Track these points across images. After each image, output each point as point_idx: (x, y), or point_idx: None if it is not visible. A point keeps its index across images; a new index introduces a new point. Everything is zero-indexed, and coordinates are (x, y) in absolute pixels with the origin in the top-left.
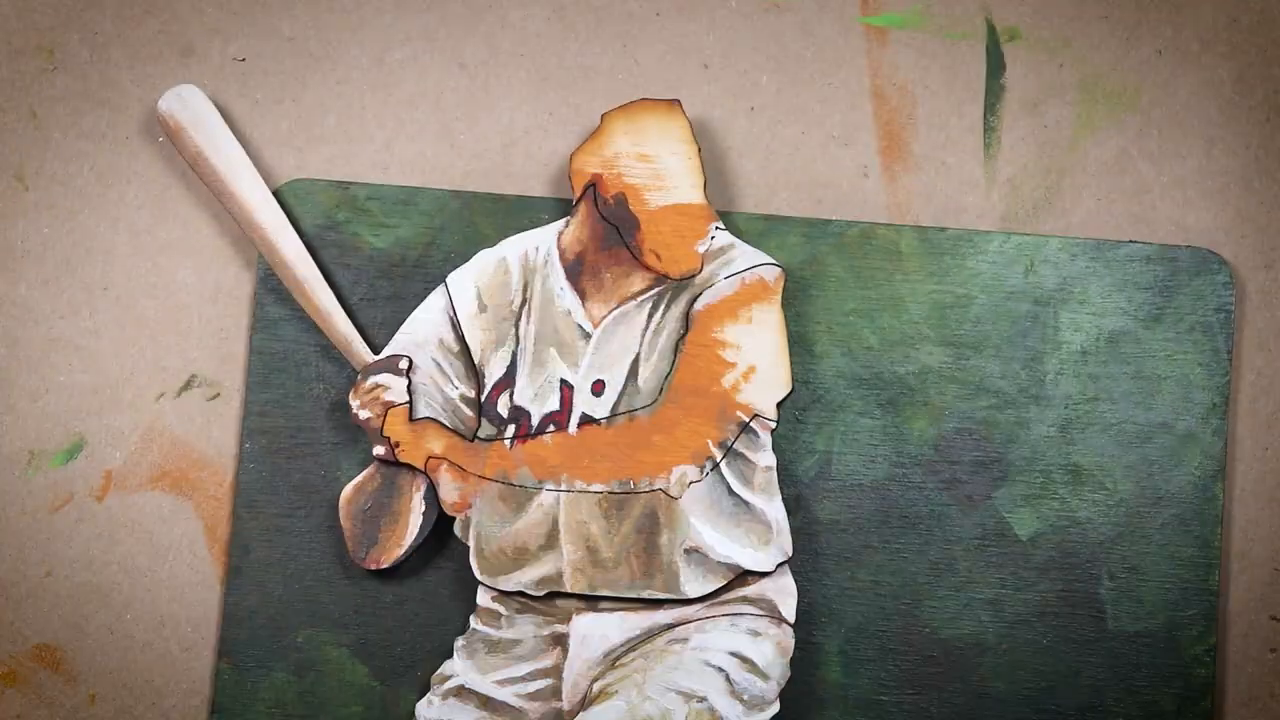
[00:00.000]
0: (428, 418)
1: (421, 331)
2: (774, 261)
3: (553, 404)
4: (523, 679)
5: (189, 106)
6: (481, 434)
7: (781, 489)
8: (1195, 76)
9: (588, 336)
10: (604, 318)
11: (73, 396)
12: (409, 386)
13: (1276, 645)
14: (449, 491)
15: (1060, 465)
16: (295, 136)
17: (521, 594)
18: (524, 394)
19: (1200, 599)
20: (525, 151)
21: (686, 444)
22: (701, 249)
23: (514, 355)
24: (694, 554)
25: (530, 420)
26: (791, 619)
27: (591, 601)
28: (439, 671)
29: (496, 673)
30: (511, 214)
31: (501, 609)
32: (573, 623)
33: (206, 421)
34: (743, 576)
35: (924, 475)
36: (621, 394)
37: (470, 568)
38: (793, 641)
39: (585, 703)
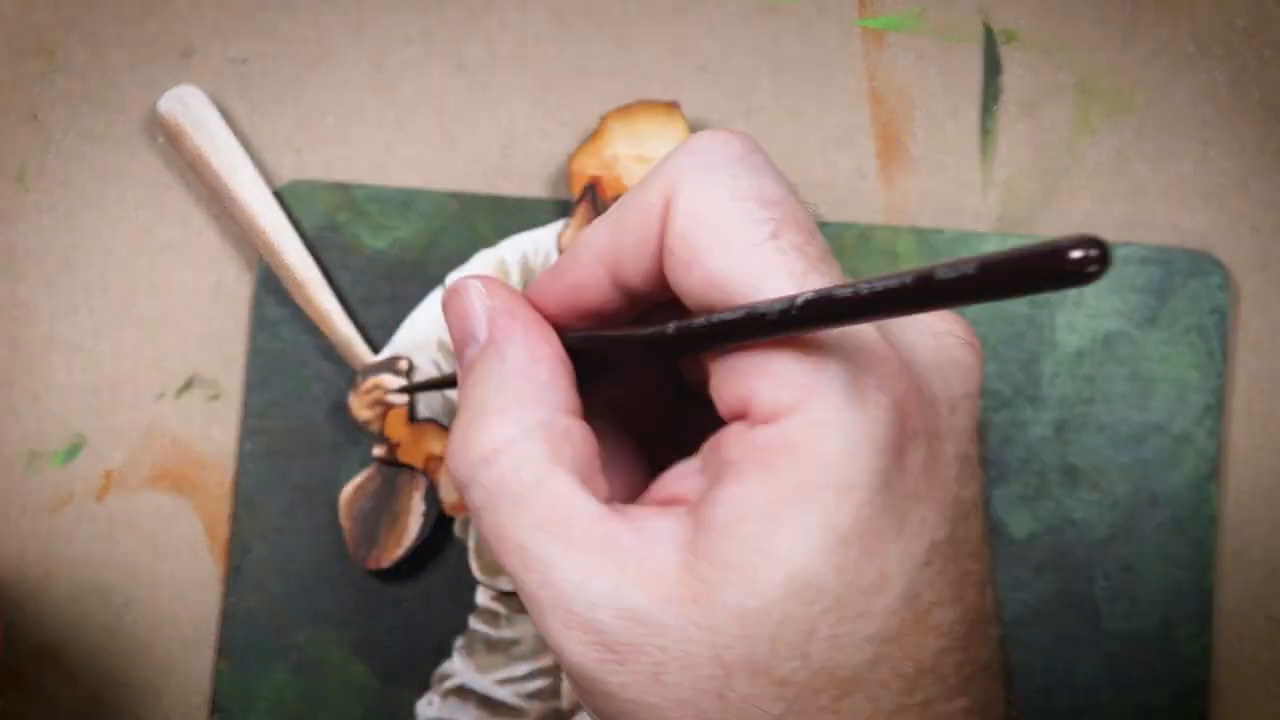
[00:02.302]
0: (428, 418)
1: (421, 332)
2: None
3: None
4: (522, 678)
5: (189, 108)
6: None
7: None
8: (1192, 78)
9: None
10: None
11: (73, 397)
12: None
13: (1271, 645)
14: (449, 491)
15: (1056, 466)
16: (295, 138)
17: None
18: None
19: (1195, 599)
20: (524, 153)
21: None
22: None
23: None
24: None
25: None
26: None
27: None
28: (438, 671)
29: (496, 672)
30: (510, 215)
31: (501, 609)
32: None
33: (207, 422)
34: None
35: None
36: None
37: (469, 567)
38: None
39: None
